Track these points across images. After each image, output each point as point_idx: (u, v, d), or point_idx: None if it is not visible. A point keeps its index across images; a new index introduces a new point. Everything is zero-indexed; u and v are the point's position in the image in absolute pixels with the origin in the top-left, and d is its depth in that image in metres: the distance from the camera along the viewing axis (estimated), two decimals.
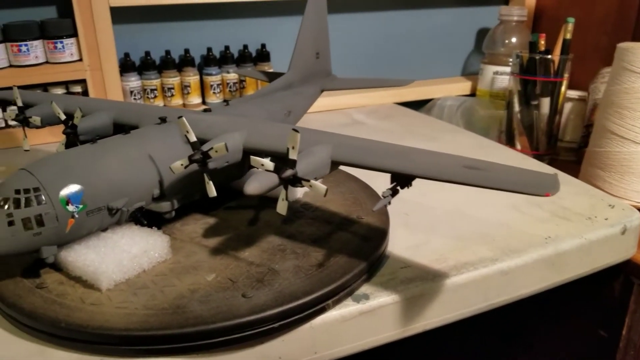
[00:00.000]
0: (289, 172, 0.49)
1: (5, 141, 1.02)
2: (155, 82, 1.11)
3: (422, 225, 0.68)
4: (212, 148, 0.53)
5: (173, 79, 1.11)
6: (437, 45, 1.40)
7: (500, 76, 1.24)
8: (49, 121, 0.71)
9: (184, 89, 1.13)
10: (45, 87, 1.04)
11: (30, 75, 1.00)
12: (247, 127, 0.61)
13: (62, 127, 0.67)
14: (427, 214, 0.71)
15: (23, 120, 0.71)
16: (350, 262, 0.55)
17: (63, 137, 0.66)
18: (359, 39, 1.32)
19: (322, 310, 0.52)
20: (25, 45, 1.00)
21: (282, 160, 0.52)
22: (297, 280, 0.52)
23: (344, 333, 0.53)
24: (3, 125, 1.03)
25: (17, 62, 1.00)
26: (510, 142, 1.09)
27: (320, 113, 1.22)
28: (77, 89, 1.05)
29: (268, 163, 0.49)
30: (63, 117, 0.65)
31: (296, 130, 0.48)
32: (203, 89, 1.16)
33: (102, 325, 0.46)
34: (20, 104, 0.71)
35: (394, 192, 0.51)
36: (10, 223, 0.47)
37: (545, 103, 1.03)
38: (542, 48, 1.04)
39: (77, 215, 0.51)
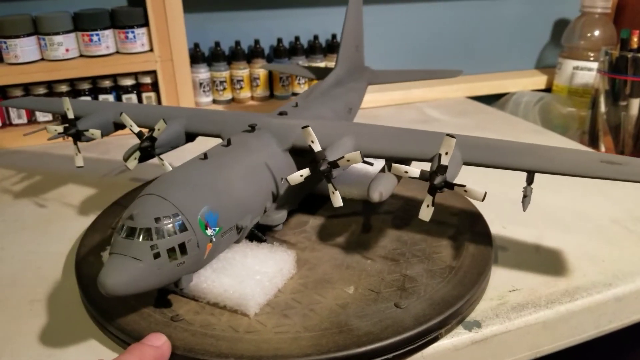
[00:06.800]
0: (440, 179, 0.47)
1: None
2: (224, 74, 1.08)
3: (522, 237, 0.65)
4: (343, 157, 0.50)
5: (242, 71, 1.09)
6: (511, 36, 1.34)
7: (581, 71, 1.18)
8: (105, 133, 0.67)
9: (253, 81, 1.10)
10: (114, 77, 1.03)
11: (102, 66, 0.99)
12: (352, 132, 0.58)
13: None
14: (525, 226, 0.67)
15: (75, 135, 0.65)
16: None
17: (136, 152, 0.61)
18: (430, 30, 1.26)
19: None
20: (97, 34, 0.98)
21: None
22: (439, 285, 0.51)
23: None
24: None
25: (88, 52, 0.99)
26: (593, 143, 1.03)
27: (390, 107, 1.18)
28: (147, 80, 1.03)
29: (413, 170, 0.48)
30: (137, 129, 0.60)
31: (452, 136, 0.46)
32: (272, 81, 1.13)
33: (275, 354, 0.43)
34: (71, 115, 0.65)
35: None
36: (156, 255, 0.42)
37: (635, 104, 0.97)
38: (635, 45, 0.98)
39: (214, 239, 0.47)
